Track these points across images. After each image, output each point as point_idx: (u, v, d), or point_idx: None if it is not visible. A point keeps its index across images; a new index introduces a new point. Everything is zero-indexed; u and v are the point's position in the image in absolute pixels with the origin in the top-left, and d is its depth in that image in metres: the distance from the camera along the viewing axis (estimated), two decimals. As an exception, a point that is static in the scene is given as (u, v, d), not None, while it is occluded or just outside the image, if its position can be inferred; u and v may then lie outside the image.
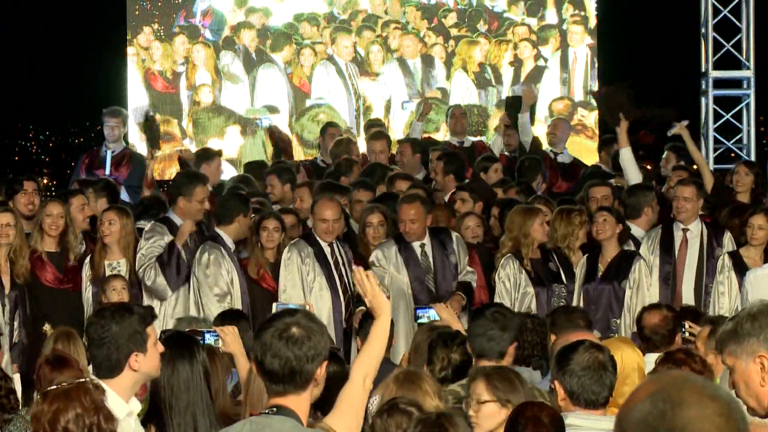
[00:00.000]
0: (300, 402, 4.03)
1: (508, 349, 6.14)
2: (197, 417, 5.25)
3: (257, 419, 4.05)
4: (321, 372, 4.03)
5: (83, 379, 4.36)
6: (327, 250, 9.40)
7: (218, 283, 9.08)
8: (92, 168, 12.01)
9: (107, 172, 11.94)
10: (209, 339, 6.26)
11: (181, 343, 5.41)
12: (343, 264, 9.43)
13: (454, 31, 15.97)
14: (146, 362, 4.87)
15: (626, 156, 10.63)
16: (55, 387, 4.33)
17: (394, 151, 12.75)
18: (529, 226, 9.24)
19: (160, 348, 4.99)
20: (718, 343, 3.77)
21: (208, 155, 11.62)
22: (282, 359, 3.98)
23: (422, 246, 9.46)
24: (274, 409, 4.00)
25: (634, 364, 5.97)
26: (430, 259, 9.43)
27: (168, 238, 9.28)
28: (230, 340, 6.23)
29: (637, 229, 9.94)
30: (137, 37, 15.77)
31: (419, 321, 8.07)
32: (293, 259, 9.32)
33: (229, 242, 9.23)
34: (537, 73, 15.92)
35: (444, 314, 7.65)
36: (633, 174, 10.62)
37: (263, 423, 4.00)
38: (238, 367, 6.28)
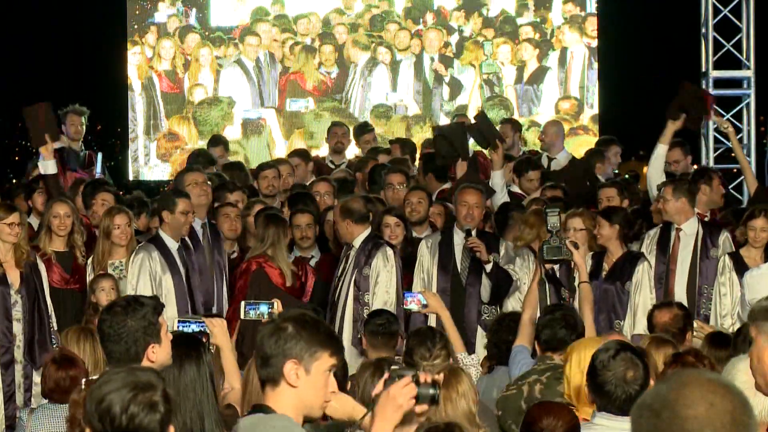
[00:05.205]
0: (277, 399, 3.96)
1: None
2: (204, 417, 5.21)
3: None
4: (288, 372, 3.90)
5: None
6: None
7: (134, 286, 8.87)
8: (79, 168, 11.95)
9: (99, 171, 12.02)
10: (196, 329, 6.09)
11: (189, 343, 5.39)
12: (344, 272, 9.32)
13: (457, 32, 16.02)
14: (162, 352, 4.94)
15: (660, 152, 10.64)
16: (97, 377, 4.36)
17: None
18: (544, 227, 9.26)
19: (170, 336, 5.02)
20: (751, 314, 3.89)
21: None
22: (257, 345, 3.99)
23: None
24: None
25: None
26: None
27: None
28: (217, 332, 6.10)
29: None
30: (136, 37, 15.80)
31: (408, 306, 8.04)
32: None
33: (169, 241, 9.03)
34: (540, 74, 15.95)
35: (431, 300, 7.67)
36: (657, 171, 10.60)
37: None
38: (223, 361, 6.22)
